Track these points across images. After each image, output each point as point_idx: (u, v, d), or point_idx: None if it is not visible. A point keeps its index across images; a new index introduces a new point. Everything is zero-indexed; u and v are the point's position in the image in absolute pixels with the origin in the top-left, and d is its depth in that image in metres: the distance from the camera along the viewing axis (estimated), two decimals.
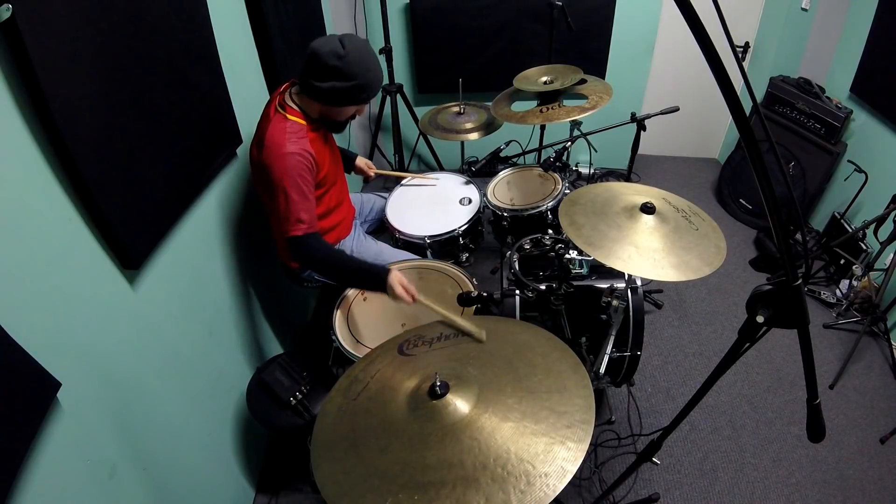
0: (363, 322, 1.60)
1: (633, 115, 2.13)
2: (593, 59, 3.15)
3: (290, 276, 1.86)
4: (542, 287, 1.64)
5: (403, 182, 2.23)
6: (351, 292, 1.69)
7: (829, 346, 2.35)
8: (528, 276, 1.70)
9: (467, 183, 2.23)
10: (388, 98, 3.04)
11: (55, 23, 0.93)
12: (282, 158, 1.47)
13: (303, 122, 1.56)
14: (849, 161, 2.53)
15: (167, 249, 1.36)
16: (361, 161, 2.12)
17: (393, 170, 3.35)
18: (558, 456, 0.77)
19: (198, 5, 1.47)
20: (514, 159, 2.57)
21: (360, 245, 1.91)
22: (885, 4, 2.30)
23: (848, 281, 2.49)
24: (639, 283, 1.67)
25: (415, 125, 3.08)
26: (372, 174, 2.14)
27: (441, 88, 3.26)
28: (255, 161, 1.57)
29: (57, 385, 0.94)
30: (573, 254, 1.68)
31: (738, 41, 3.20)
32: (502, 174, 2.30)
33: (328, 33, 2.64)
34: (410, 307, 1.62)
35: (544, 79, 2.15)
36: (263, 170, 1.50)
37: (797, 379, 2.20)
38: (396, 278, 1.48)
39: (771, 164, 0.69)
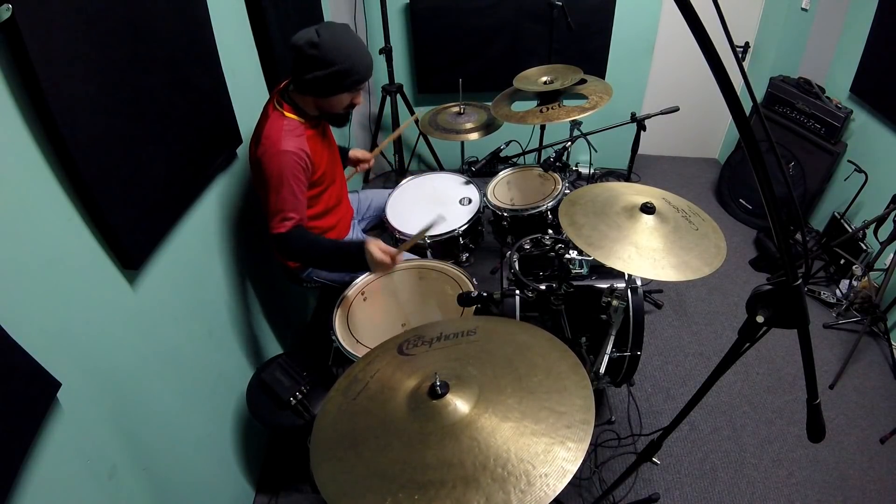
0: (363, 322, 1.60)
1: (633, 115, 2.13)
2: (593, 59, 3.15)
3: (290, 276, 1.86)
4: (542, 287, 1.64)
5: (405, 182, 2.22)
6: (351, 292, 1.69)
7: (829, 346, 2.35)
8: (528, 276, 1.70)
9: (467, 183, 2.23)
10: (388, 98, 3.04)
11: (55, 23, 0.93)
12: (277, 156, 1.47)
13: (299, 119, 1.56)
14: (849, 161, 2.53)
15: (167, 249, 1.36)
16: (356, 151, 2.11)
17: (386, 179, 3.35)
18: (558, 456, 0.77)
19: (198, 5, 1.47)
20: (514, 159, 2.57)
21: None
22: (885, 4, 2.30)
23: (848, 281, 2.49)
24: (639, 283, 1.67)
25: (415, 125, 3.08)
26: (371, 158, 2.14)
27: (441, 88, 3.25)
28: (252, 157, 1.57)
29: (57, 385, 0.94)
30: (573, 254, 1.68)
31: (738, 41, 3.20)
32: (502, 174, 2.30)
33: None
34: (411, 307, 1.63)
35: (544, 79, 2.15)
36: (258, 166, 1.51)
37: (797, 379, 2.20)
38: (374, 244, 1.50)
39: (771, 164, 0.69)
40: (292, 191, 1.50)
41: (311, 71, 1.46)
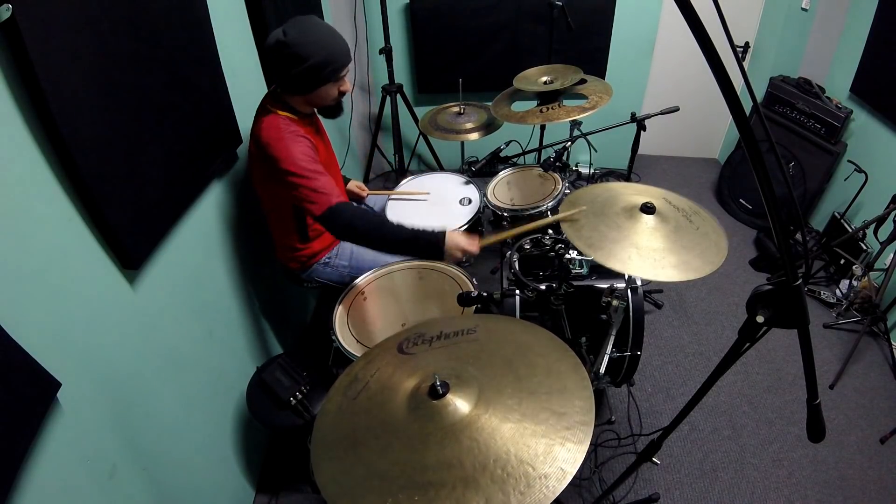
0: (363, 322, 1.60)
1: (633, 115, 2.13)
2: (593, 59, 3.15)
3: (290, 276, 1.86)
4: (542, 287, 1.64)
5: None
6: (351, 292, 1.69)
7: (829, 346, 2.35)
8: (528, 276, 1.70)
9: (467, 183, 2.23)
10: (388, 98, 3.04)
11: (55, 23, 0.93)
12: (285, 145, 1.47)
13: (292, 116, 1.56)
14: (849, 161, 2.53)
15: (167, 249, 1.36)
16: (353, 184, 2.13)
17: (386, 179, 3.34)
18: (558, 457, 0.77)
19: (198, 5, 1.47)
20: (514, 159, 2.57)
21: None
22: (885, 4, 2.30)
23: (848, 281, 2.49)
24: (639, 282, 1.67)
25: (415, 125, 3.08)
26: (364, 194, 2.17)
27: (441, 88, 3.26)
28: (258, 160, 1.55)
29: (57, 385, 0.94)
30: (573, 254, 1.68)
31: (738, 41, 3.20)
32: (502, 174, 2.30)
33: None
34: (410, 307, 1.63)
35: (544, 79, 2.15)
36: (268, 163, 1.49)
37: (797, 379, 2.20)
38: (454, 239, 1.41)
39: (771, 164, 0.69)
40: (315, 169, 1.46)
41: (288, 69, 1.45)
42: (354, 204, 1.54)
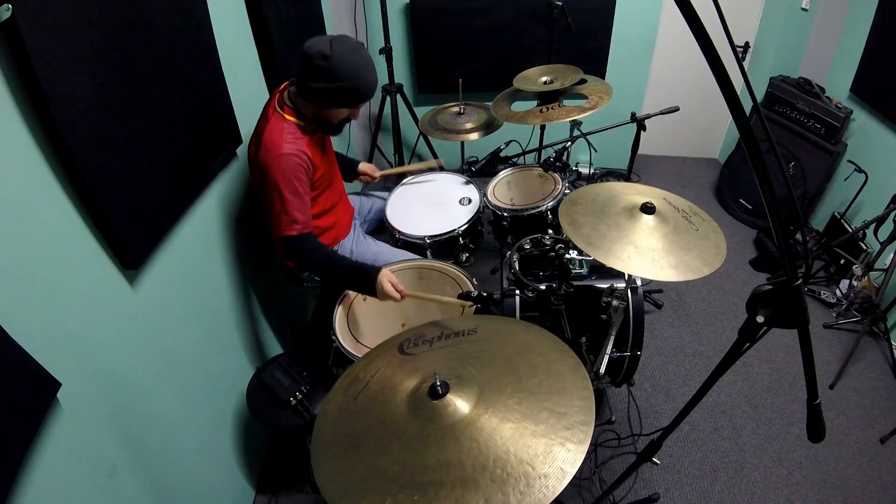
0: (363, 322, 1.60)
1: (633, 115, 2.13)
2: (593, 59, 3.15)
3: (290, 276, 1.86)
4: (542, 287, 1.64)
5: (405, 181, 2.22)
6: (350, 292, 1.69)
7: (829, 346, 2.35)
8: (528, 276, 1.70)
9: (467, 183, 2.23)
10: (388, 98, 3.03)
11: (55, 23, 0.93)
12: (278, 159, 1.48)
13: (299, 122, 1.56)
14: (849, 161, 2.53)
15: (167, 249, 1.36)
16: (365, 166, 2.13)
17: (386, 179, 3.35)
18: (558, 457, 0.77)
19: (198, 5, 1.47)
20: (514, 159, 2.57)
21: (359, 245, 1.91)
22: (885, 4, 2.30)
23: (848, 281, 2.49)
24: (639, 283, 1.67)
25: (415, 125, 3.08)
26: (377, 176, 2.16)
27: (441, 88, 3.25)
28: (253, 159, 1.57)
29: (57, 385, 0.94)
30: (573, 254, 1.68)
31: (738, 41, 3.20)
32: (502, 174, 2.30)
33: (328, 33, 2.64)
34: (411, 307, 1.63)
35: (544, 79, 2.15)
36: (260, 168, 1.51)
37: (797, 379, 2.20)
38: (386, 276, 1.49)
39: (771, 164, 0.69)
40: (297, 193, 1.51)
41: (316, 81, 1.46)
42: (315, 237, 1.59)
